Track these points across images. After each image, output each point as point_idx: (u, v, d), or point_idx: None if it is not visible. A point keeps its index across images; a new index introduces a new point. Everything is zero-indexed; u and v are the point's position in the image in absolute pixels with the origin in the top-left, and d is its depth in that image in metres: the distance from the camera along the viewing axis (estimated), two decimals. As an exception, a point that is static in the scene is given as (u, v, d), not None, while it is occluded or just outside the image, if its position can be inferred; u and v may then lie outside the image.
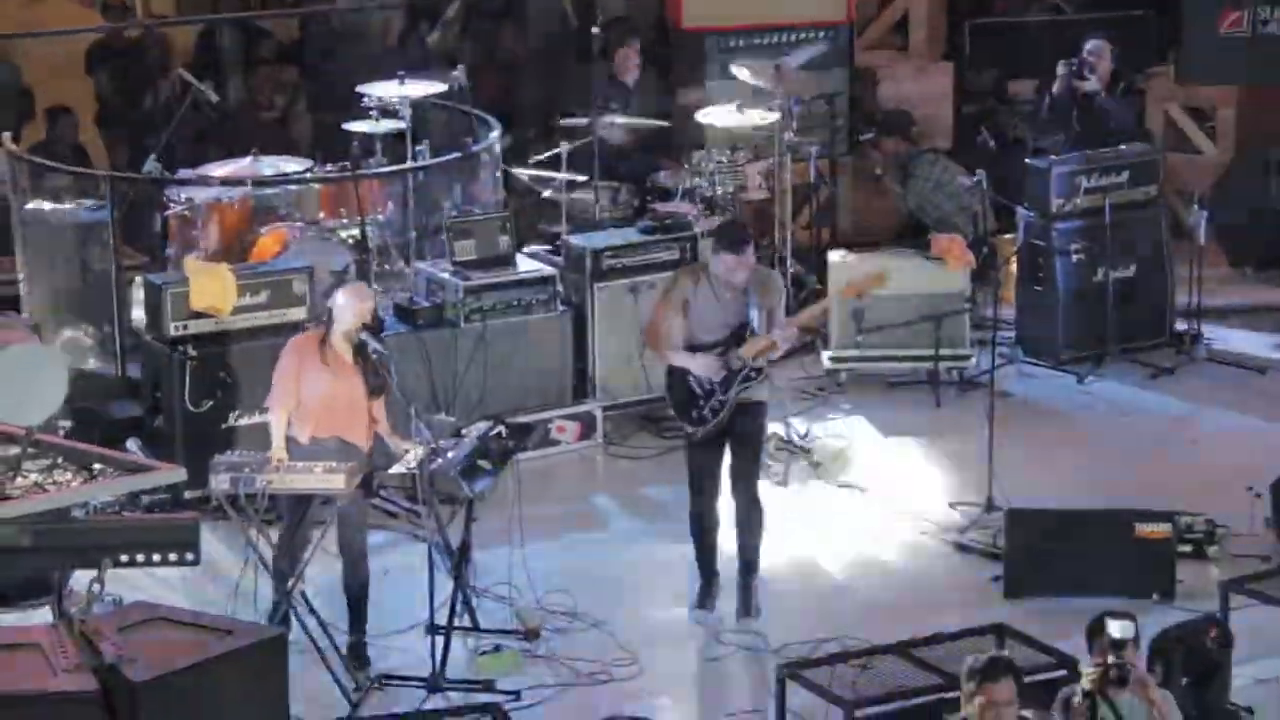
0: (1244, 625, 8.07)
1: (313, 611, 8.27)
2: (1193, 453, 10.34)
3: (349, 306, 8.36)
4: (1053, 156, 11.76)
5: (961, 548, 9.46)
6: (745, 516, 8.78)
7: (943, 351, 11.08)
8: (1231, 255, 12.78)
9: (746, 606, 8.78)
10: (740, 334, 8.70)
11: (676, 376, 8.78)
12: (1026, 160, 11.89)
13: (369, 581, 8.48)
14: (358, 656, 8.39)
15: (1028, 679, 7.71)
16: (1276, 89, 12.93)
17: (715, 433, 8.70)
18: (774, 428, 10.50)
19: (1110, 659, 6.88)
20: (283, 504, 8.32)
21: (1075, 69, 11.91)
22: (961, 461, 10.02)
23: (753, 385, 8.71)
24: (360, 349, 8.38)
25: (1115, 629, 6.93)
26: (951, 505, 9.74)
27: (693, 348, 8.71)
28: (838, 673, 7.73)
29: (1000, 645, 7.93)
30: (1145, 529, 8.91)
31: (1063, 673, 7.66)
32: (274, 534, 8.51)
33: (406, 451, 8.37)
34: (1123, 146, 11.82)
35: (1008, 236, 12.06)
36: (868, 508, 9.89)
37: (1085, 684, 6.94)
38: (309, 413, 8.35)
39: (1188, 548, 9.17)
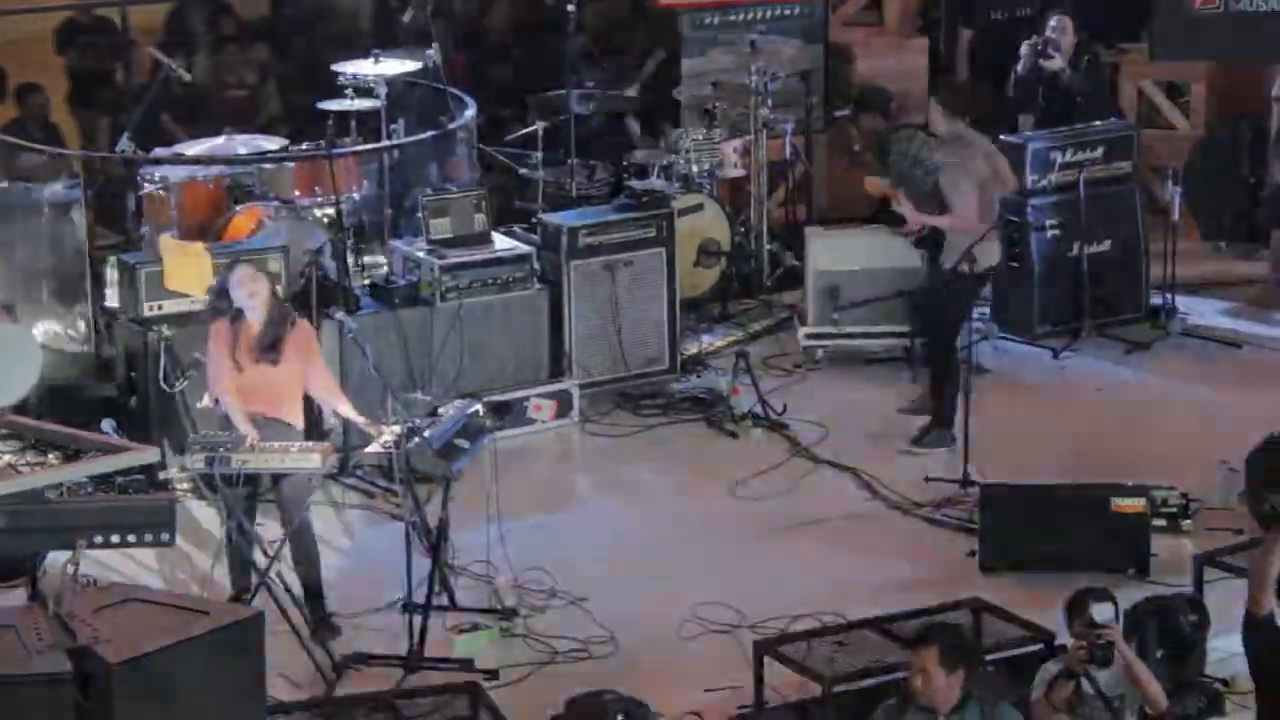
0: (1218, 598, 8.11)
1: (288, 590, 8.26)
2: (1167, 427, 10.36)
3: (240, 295, 8.40)
4: (1026, 133, 11.77)
5: (937, 523, 9.48)
6: None
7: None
8: (1205, 229, 12.81)
9: None
10: None
11: None
12: (1001, 136, 11.89)
13: (319, 557, 8.47)
14: (328, 628, 8.37)
15: (1003, 654, 7.76)
16: (1249, 65, 12.95)
17: None
18: (748, 404, 10.56)
19: (1093, 639, 6.89)
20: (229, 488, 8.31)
21: (1040, 47, 11.91)
22: (938, 437, 10.03)
23: None
24: (269, 326, 8.35)
25: (1095, 611, 6.94)
26: (927, 480, 9.75)
27: None
28: (815, 648, 7.75)
29: (976, 620, 7.96)
30: (1120, 503, 8.93)
31: (1039, 646, 7.69)
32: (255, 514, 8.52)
33: (374, 432, 8.37)
34: (1096, 122, 11.83)
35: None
36: (844, 484, 9.90)
37: (1069, 663, 6.95)
38: (243, 396, 8.39)
39: (1162, 522, 9.20)
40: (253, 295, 8.41)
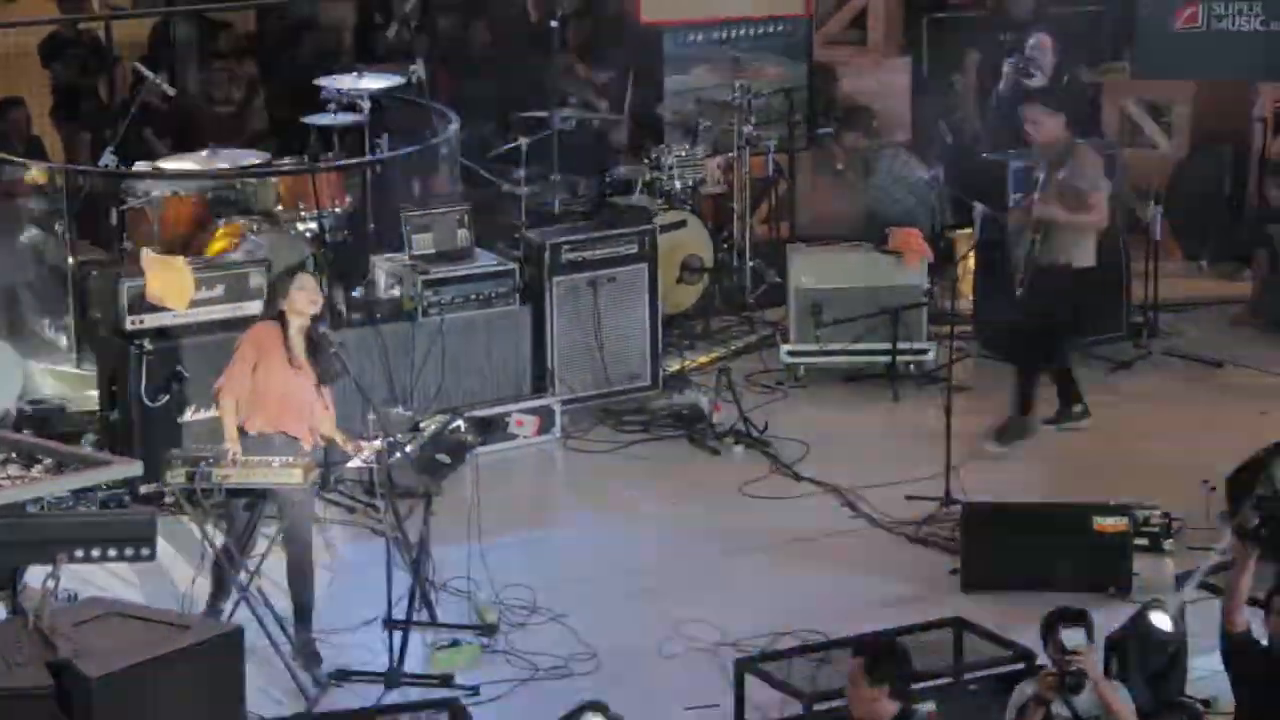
0: (1200, 618, 8.11)
1: (269, 605, 8.23)
2: (1149, 446, 10.38)
3: (301, 300, 8.34)
4: (1010, 151, 11.80)
5: (919, 541, 9.48)
6: None
7: (900, 345, 11.10)
8: (1187, 249, 12.84)
9: None
10: None
11: None
12: (983, 155, 11.92)
13: (314, 576, 8.45)
14: (309, 654, 8.34)
15: (985, 672, 7.76)
16: (1231, 84, 13.00)
17: None
18: (730, 421, 10.56)
19: (1065, 666, 6.89)
20: (235, 502, 8.28)
21: (1022, 67, 11.96)
22: (919, 455, 10.04)
23: None
24: (311, 342, 8.36)
25: (1066, 637, 6.94)
26: (909, 499, 9.76)
27: None
28: (796, 666, 7.74)
29: (958, 638, 7.96)
30: (1102, 522, 8.94)
31: (1020, 666, 7.69)
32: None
33: (352, 447, 8.36)
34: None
35: (965, 231, 12.09)
36: (825, 501, 9.90)
37: (1040, 689, 6.95)
38: (262, 405, 8.33)
39: (1144, 541, 9.21)
40: (314, 304, 8.39)
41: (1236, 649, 7.03)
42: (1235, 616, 7.01)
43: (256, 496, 8.28)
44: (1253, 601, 7.12)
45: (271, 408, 8.33)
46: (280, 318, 8.39)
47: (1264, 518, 7.00)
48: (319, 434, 8.48)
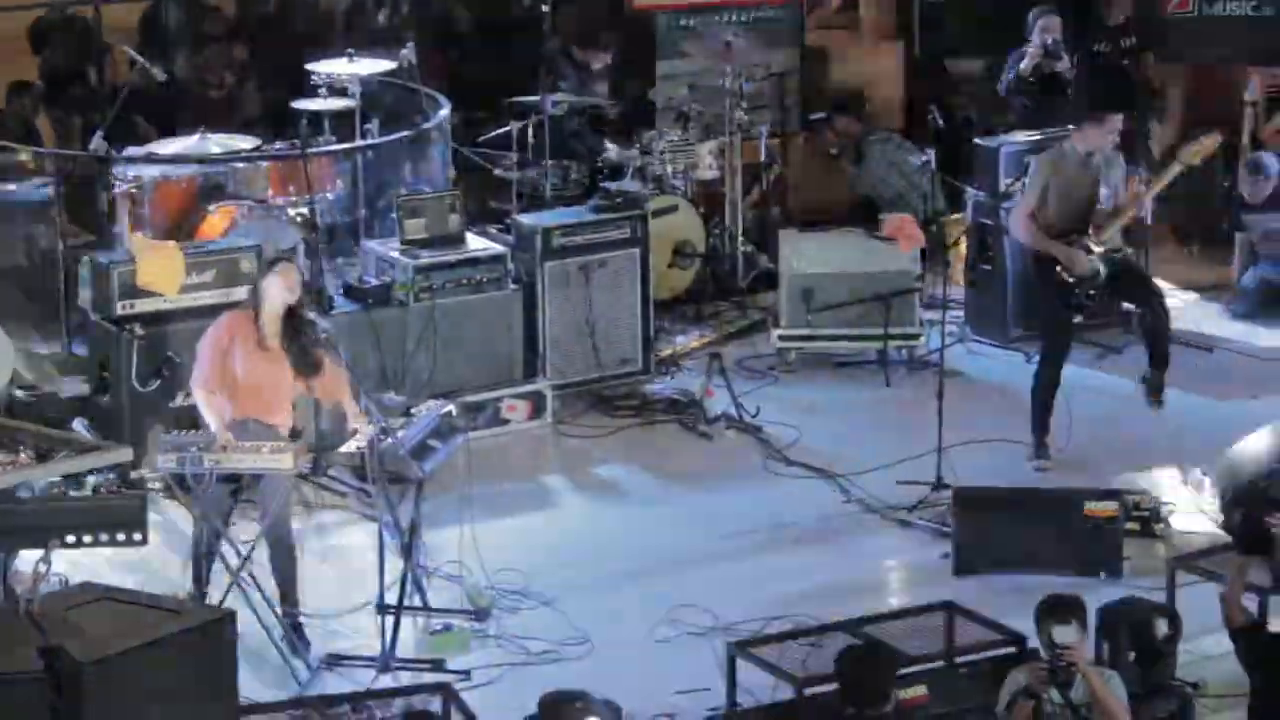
0: (1191, 601, 8.12)
1: (260, 590, 8.23)
2: (1139, 431, 10.38)
3: (276, 286, 8.33)
4: (1002, 136, 11.80)
5: (911, 526, 9.49)
6: None
7: (892, 331, 11.10)
8: (1178, 234, 12.84)
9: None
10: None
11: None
12: (975, 140, 11.92)
13: (297, 558, 8.44)
14: (298, 637, 8.34)
15: (976, 656, 7.77)
16: (1223, 68, 13.00)
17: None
18: (722, 407, 10.56)
19: (1055, 661, 6.90)
20: (222, 486, 8.27)
21: (1051, 49, 11.99)
22: (911, 440, 10.05)
23: None
24: (287, 330, 8.34)
25: (1057, 633, 6.95)
26: (900, 483, 9.76)
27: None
28: (787, 650, 7.75)
29: (949, 623, 7.97)
30: (1093, 507, 8.95)
31: (1011, 650, 7.71)
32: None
33: (362, 422, 8.34)
34: (1070, 127, 11.85)
35: (957, 216, 12.10)
36: (817, 486, 9.91)
37: (1030, 681, 6.96)
38: (231, 393, 8.31)
39: (1135, 525, 9.23)
40: (291, 291, 8.36)
41: (1244, 640, 7.08)
42: (1233, 612, 7.05)
43: (240, 481, 8.29)
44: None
45: (243, 396, 8.31)
46: (255, 306, 8.38)
47: (1244, 516, 7.03)
48: (334, 402, 8.43)
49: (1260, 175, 11.97)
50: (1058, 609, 7.08)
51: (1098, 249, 9.90)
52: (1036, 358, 10.23)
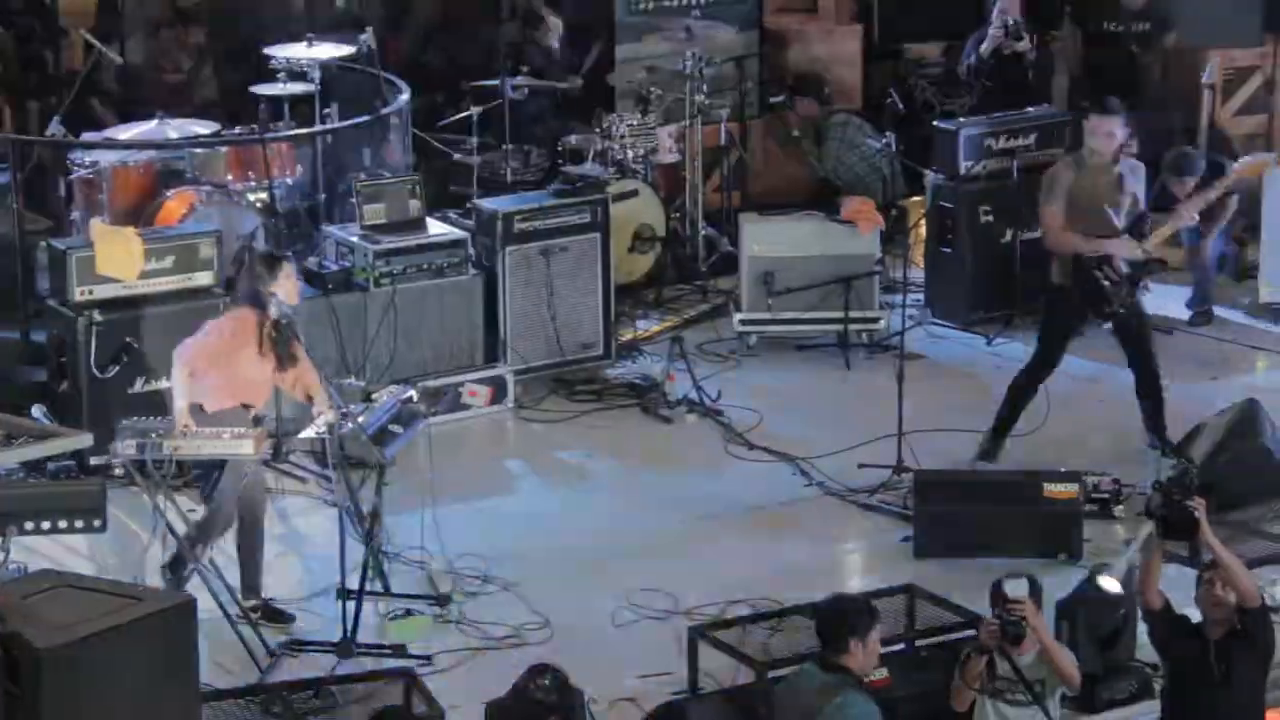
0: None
1: (221, 576, 8.21)
2: (1100, 413, 10.43)
3: (288, 288, 8.32)
4: (960, 119, 11.82)
5: (871, 509, 9.51)
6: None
7: (853, 314, 11.12)
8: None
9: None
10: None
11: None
12: (935, 123, 11.94)
13: (263, 544, 8.43)
14: (275, 614, 8.34)
15: (937, 639, 7.80)
16: (1197, 51, 13.02)
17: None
18: (683, 391, 10.57)
19: (1005, 614, 6.91)
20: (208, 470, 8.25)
21: (1013, 29, 12.01)
22: (871, 424, 10.07)
23: None
24: (277, 328, 8.30)
25: (1009, 586, 6.97)
26: (861, 467, 9.78)
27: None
28: (749, 634, 7.76)
29: (910, 605, 7.99)
30: (1053, 489, 8.98)
31: (971, 632, 7.72)
32: (181, 500, 8.47)
33: (330, 412, 8.32)
34: (1029, 109, 11.91)
35: (916, 199, 12.12)
36: (779, 470, 9.92)
37: (981, 637, 6.98)
38: (231, 390, 8.28)
39: (1094, 507, 9.27)
40: (290, 296, 8.35)
41: (1156, 625, 7.14)
42: (1149, 595, 7.11)
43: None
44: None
45: (238, 392, 8.30)
46: (259, 303, 8.33)
47: (1164, 499, 7.06)
48: (304, 395, 8.42)
49: (1187, 176, 11.31)
50: (1013, 574, 7.12)
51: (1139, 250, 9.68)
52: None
